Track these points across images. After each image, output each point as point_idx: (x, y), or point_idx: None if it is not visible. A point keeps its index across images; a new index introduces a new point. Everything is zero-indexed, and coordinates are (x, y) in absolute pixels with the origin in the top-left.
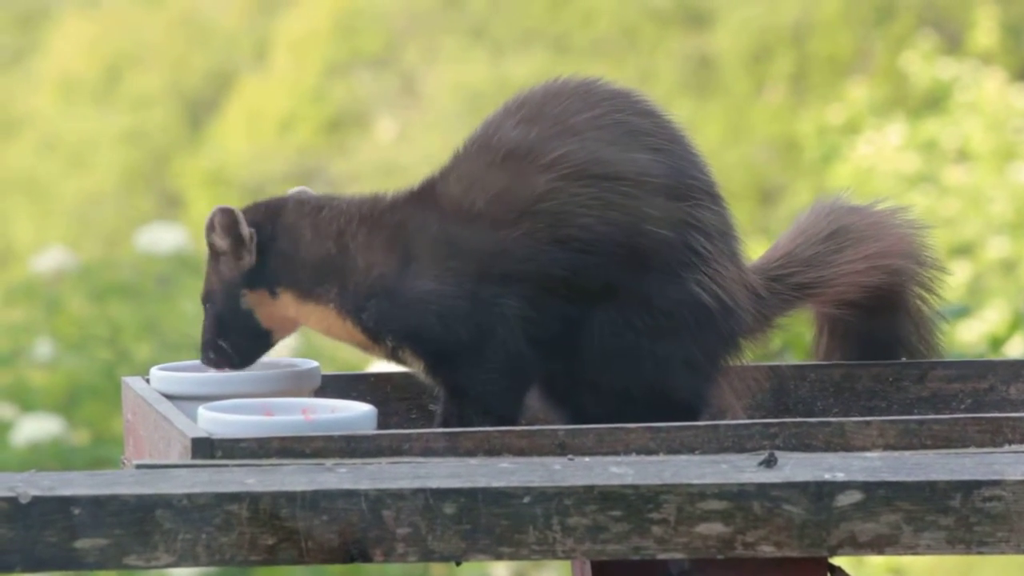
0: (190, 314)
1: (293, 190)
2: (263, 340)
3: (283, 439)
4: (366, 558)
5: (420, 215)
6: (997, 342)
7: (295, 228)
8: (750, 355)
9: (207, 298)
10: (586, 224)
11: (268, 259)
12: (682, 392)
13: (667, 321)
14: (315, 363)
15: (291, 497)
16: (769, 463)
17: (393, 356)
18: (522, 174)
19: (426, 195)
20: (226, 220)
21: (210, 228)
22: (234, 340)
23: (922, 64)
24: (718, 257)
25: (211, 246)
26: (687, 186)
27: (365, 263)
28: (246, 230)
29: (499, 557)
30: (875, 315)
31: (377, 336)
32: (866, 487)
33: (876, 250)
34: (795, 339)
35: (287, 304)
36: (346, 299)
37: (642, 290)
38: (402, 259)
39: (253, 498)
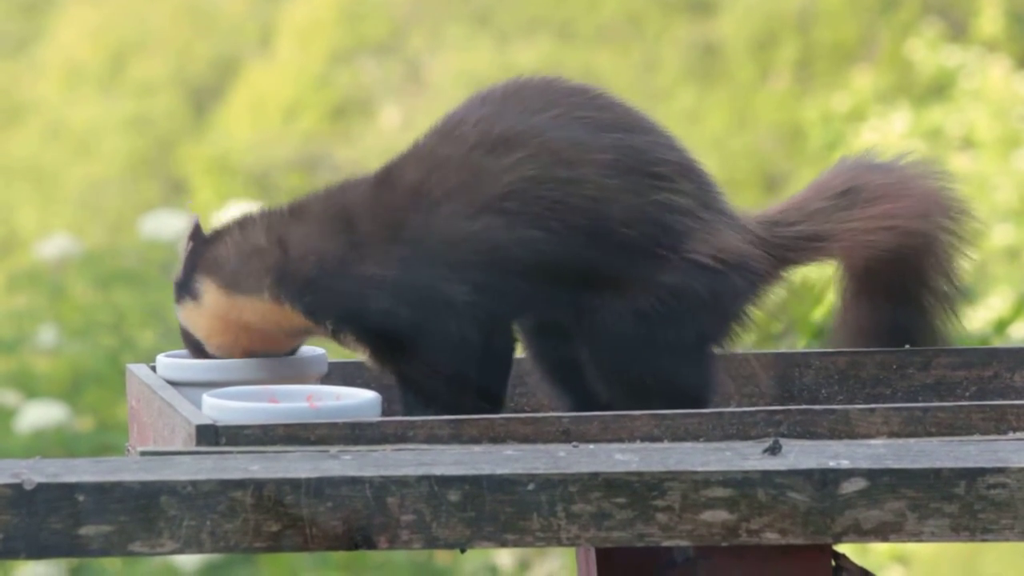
0: None
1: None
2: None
3: (287, 426)
4: (370, 545)
5: (369, 199)
6: (1002, 324)
7: (223, 230)
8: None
9: None
10: (551, 227)
11: (194, 266)
12: (689, 379)
13: (676, 303)
14: (321, 350)
15: (295, 484)
16: (773, 450)
17: (335, 339)
18: (484, 171)
19: (380, 181)
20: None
21: None
22: None
23: (927, 52)
24: (708, 229)
25: None
26: (656, 174)
27: (302, 251)
28: (184, 242)
29: (503, 544)
30: (899, 278)
31: (318, 320)
32: (870, 474)
33: (888, 211)
34: (801, 322)
35: (215, 301)
36: (284, 287)
37: (634, 277)
38: (344, 244)
39: (257, 485)
